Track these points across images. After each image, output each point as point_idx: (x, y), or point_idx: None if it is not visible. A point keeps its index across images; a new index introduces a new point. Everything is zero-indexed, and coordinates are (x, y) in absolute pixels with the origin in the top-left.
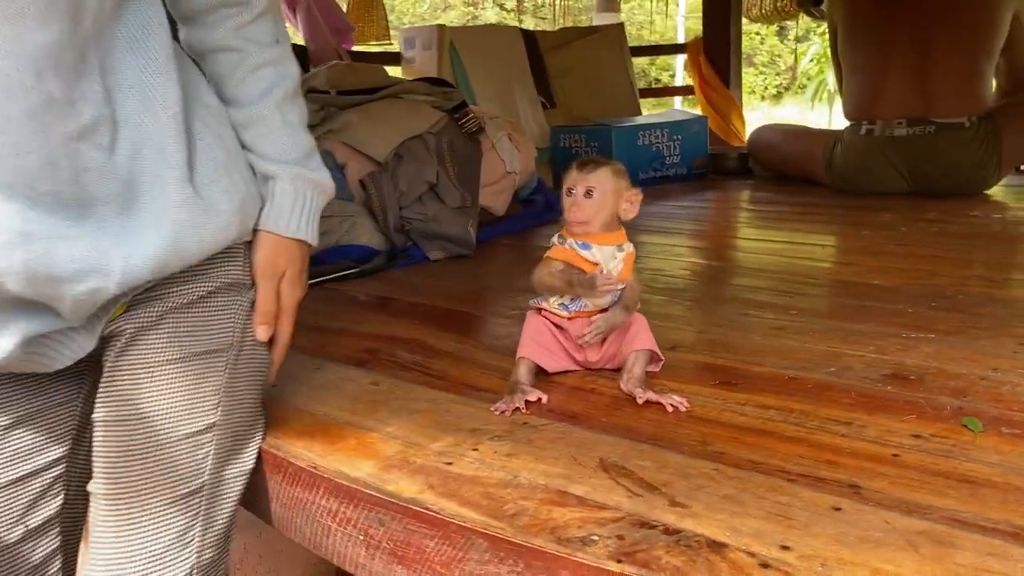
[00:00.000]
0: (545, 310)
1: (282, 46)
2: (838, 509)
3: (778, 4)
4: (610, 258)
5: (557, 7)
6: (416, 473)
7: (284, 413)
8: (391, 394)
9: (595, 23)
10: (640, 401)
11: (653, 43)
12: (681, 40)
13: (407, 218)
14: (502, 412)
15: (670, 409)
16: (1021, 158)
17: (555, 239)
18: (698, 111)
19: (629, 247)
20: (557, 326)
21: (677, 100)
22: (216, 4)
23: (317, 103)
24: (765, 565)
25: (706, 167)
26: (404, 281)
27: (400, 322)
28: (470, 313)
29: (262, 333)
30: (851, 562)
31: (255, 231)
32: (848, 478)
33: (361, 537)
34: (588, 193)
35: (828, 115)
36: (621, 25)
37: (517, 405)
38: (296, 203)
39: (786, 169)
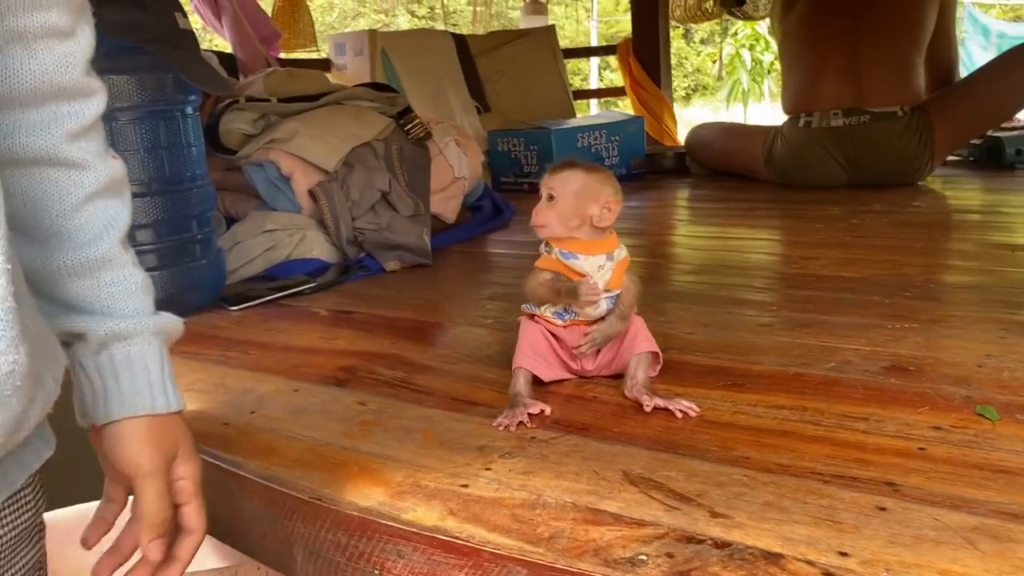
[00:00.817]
0: (539, 317)
1: (117, 159)
2: (883, 509)
3: (702, 5)
4: (596, 268)
5: (476, 13)
6: (432, 498)
7: (271, 440)
8: (382, 414)
9: (522, 27)
10: (648, 408)
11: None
12: (594, 44)
13: (360, 229)
14: (506, 427)
15: (679, 415)
16: (952, 149)
17: (542, 248)
18: (629, 112)
19: (621, 253)
20: (553, 334)
21: (593, 103)
22: (47, 93)
23: (256, 112)
24: (828, 574)
25: (644, 167)
26: (364, 294)
27: (371, 337)
28: (441, 324)
29: (155, 551)
30: (915, 564)
31: (111, 423)
32: (882, 475)
33: (377, 572)
34: (550, 196)
35: (743, 115)
36: (552, 27)
37: (520, 419)
38: (164, 367)
39: (725, 166)
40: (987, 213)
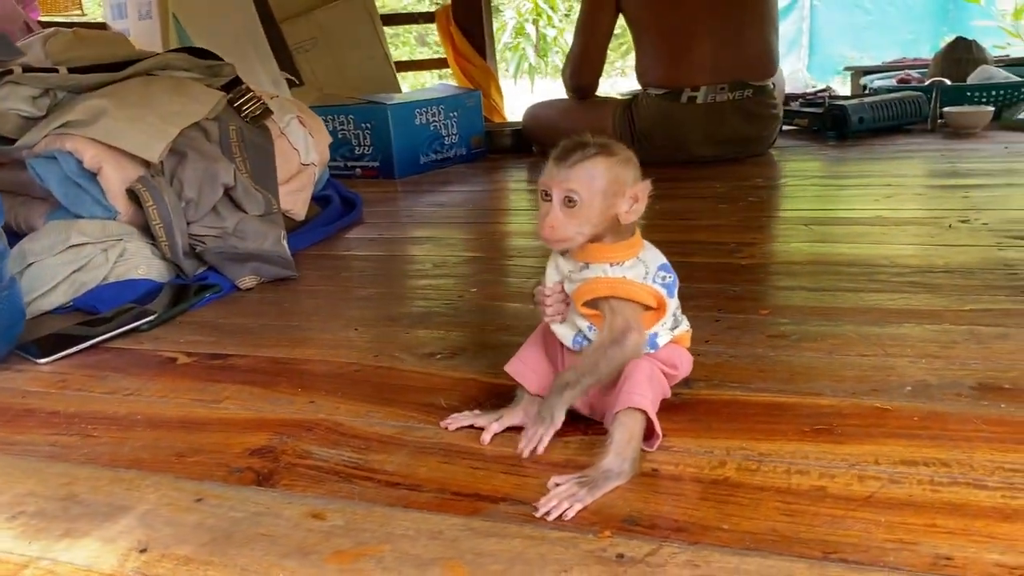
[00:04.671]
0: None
1: None
2: None
3: None
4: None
5: None
6: None
7: None
8: (358, 533)
9: None
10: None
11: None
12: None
13: (198, 236)
14: (447, 426)
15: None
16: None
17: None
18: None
19: (624, 269)
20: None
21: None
22: None
23: (39, 86)
24: None
25: (484, 146)
26: (224, 326)
27: (272, 394)
28: (362, 365)
29: None
30: None
31: None
32: None
33: None
34: (568, 200)
35: (530, 88)
36: None
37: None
38: None
39: None
40: (863, 176)
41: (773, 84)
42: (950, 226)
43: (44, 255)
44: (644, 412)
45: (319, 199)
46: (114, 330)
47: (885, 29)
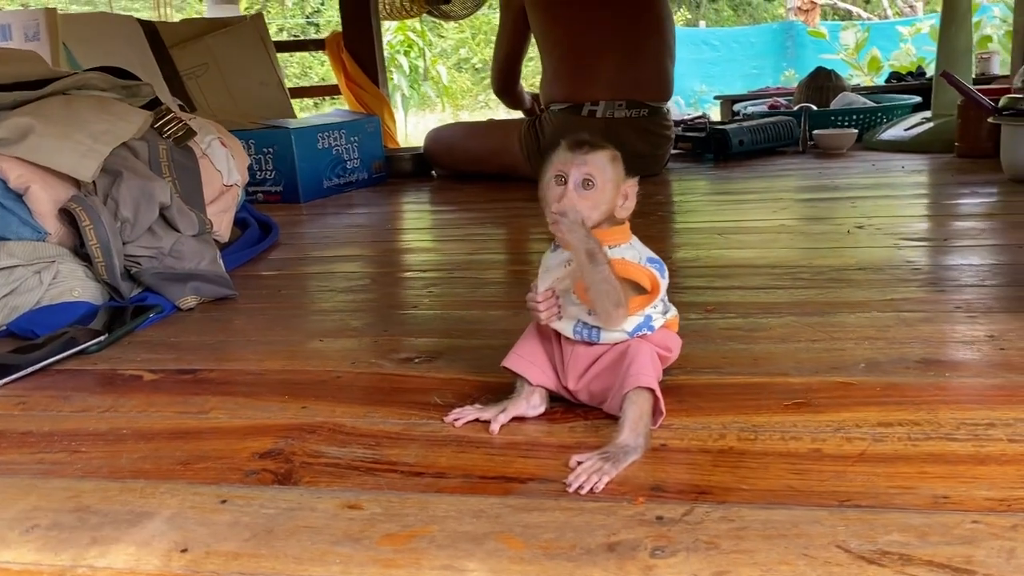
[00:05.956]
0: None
1: None
2: None
3: (403, 2)
4: (560, 265)
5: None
6: None
7: None
8: (401, 518)
9: (208, 15)
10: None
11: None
12: None
13: (133, 257)
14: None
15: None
16: None
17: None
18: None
19: (622, 250)
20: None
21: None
22: None
23: None
24: None
25: (384, 170)
26: (178, 344)
27: (260, 403)
28: (343, 372)
29: None
30: None
31: None
32: None
33: None
34: (587, 183)
35: (404, 121)
36: (260, 16)
37: (478, 417)
38: None
39: (477, 167)
40: (755, 191)
41: (667, 108)
42: (848, 232)
43: None
44: (651, 391)
45: (237, 222)
46: (64, 351)
47: (731, 64)
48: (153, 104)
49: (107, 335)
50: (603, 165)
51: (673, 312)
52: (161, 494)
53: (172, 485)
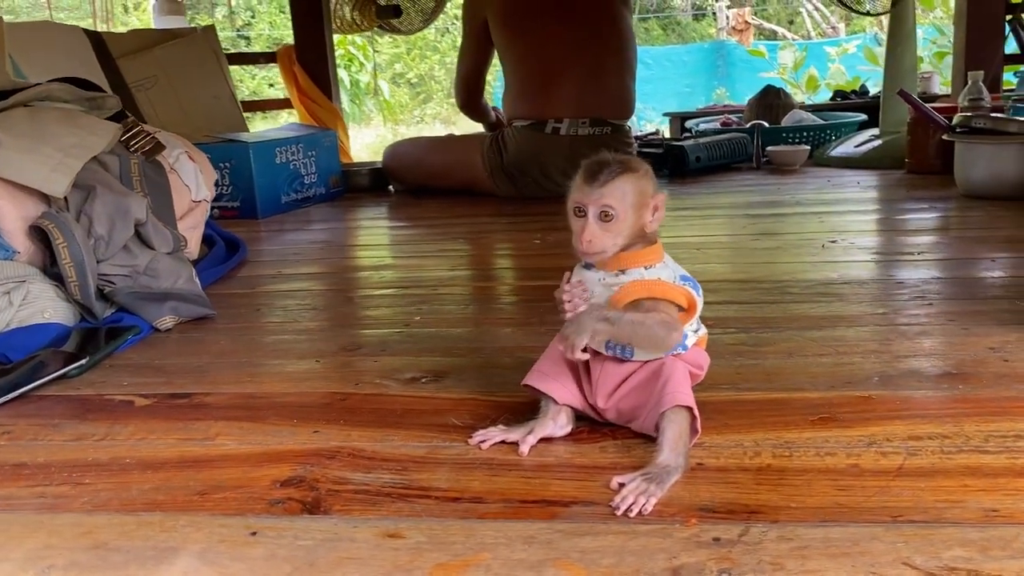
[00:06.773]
0: None
1: None
2: None
3: (354, 16)
4: (596, 283)
5: (100, 12)
6: None
7: None
8: (448, 546)
9: (157, 27)
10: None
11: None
12: None
13: (107, 276)
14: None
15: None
16: None
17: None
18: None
19: (657, 271)
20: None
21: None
22: None
23: None
24: None
25: (342, 185)
26: (164, 366)
27: (269, 428)
28: (347, 394)
29: None
30: None
31: None
32: None
33: None
34: (605, 215)
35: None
36: (212, 28)
37: (504, 439)
38: None
39: (438, 182)
40: (719, 207)
41: (629, 126)
42: (823, 246)
43: None
44: (689, 409)
45: (203, 239)
46: (38, 377)
47: (663, 83)
48: (119, 116)
49: (88, 358)
50: (622, 193)
51: (703, 330)
52: (183, 527)
53: (192, 517)
